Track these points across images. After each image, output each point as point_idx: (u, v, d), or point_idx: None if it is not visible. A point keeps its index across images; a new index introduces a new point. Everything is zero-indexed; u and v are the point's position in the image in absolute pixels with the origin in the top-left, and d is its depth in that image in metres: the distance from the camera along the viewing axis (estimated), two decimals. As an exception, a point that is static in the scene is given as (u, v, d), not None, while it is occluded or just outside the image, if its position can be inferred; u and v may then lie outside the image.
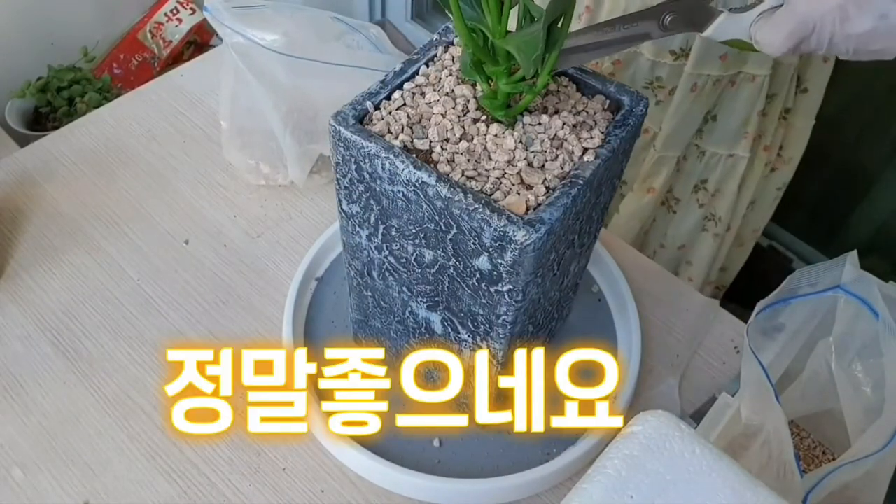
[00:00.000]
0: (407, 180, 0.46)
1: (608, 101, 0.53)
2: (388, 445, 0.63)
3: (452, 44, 0.54)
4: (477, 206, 0.44)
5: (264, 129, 0.77)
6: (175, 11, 1.72)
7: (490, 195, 0.46)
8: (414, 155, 0.47)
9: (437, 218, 0.47)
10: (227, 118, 0.79)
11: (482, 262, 0.47)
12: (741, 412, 0.54)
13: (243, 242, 0.78)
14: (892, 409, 0.51)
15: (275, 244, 0.78)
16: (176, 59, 1.72)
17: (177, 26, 1.71)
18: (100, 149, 0.85)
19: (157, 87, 0.93)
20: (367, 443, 0.62)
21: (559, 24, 0.45)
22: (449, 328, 0.56)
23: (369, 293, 0.60)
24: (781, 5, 0.51)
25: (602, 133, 0.50)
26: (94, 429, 0.64)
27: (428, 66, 0.53)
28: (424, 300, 0.55)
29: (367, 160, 0.47)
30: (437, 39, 0.54)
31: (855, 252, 0.55)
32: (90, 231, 0.78)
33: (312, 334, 0.70)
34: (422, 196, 0.46)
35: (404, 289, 0.56)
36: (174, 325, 0.71)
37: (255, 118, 0.77)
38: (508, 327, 0.51)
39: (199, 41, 1.76)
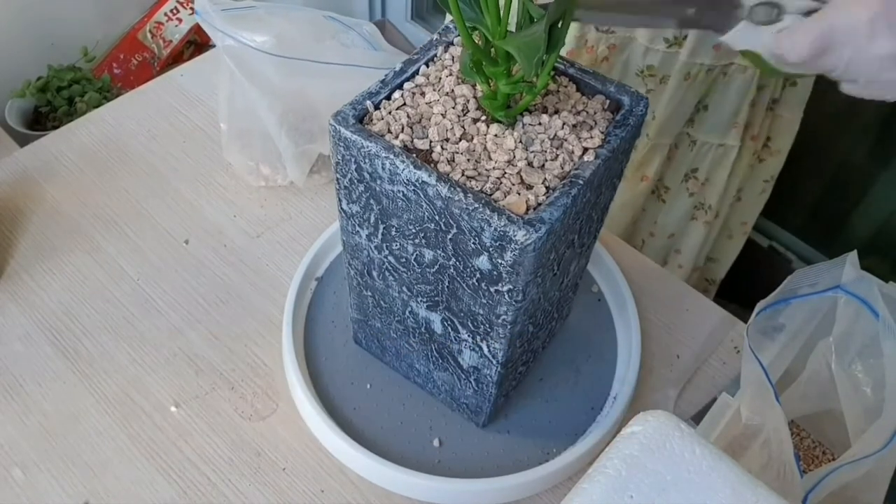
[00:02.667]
0: (407, 180, 0.46)
1: (608, 101, 0.52)
2: (389, 445, 0.63)
3: (452, 44, 0.54)
4: (477, 205, 0.44)
5: (263, 130, 0.77)
6: (175, 11, 1.71)
7: (490, 195, 0.46)
8: (414, 155, 0.47)
9: (437, 218, 0.47)
10: (226, 120, 0.78)
11: (482, 262, 0.47)
12: (741, 412, 0.54)
13: (243, 242, 0.78)
14: (892, 409, 0.51)
15: (275, 244, 0.78)
16: (176, 58, 1.72)
17: (177, 26, 1.71)
18: (100, 149, 0.85)
19: (157, 87, 0.93)
20: (367, 443, 0.62)
21: (559, 25, 0.45)
22: (449, 328, 0.56)
23: (369, 293, 0.60)
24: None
25: (602, 133, 0.50)
26: (94, 429, 0.64)
27: (428, 66, 0.53)
28: (424, 300, 0.55)
29: (367, 160, 0.47)
30: (437, 39, 0.54)
31: (855, 252, 0.55)
32: (90, 231, 0.78)
33: (312, 334, 0.70)
34: (422, 196, 0.46)
35: (404, 288, 0.56)
36: (174, 325, 0.71)
37: (253, 120, 0.76)
38: (508, 327, 0.51)
39: (199, 41, 1.76)
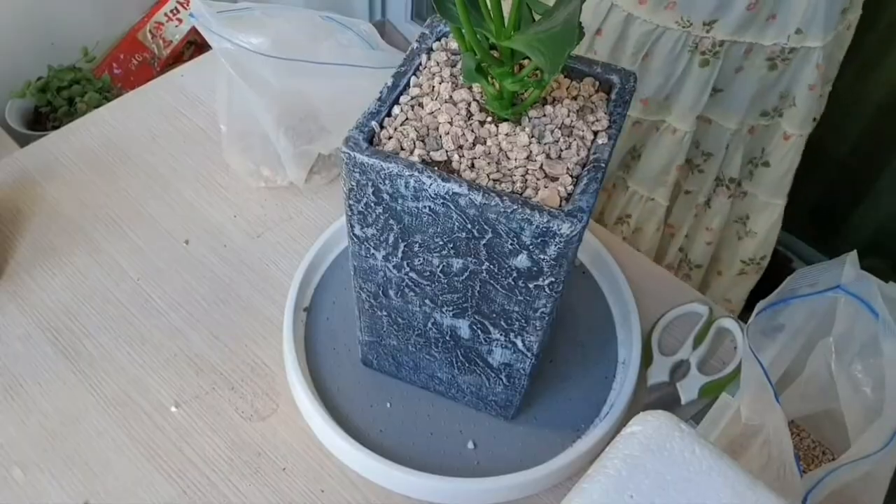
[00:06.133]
0: (435, 194, 0.46)
1: (597, 82, 0.53)
2: (388, 444, 0.63)
3: (432, 49, 0.54)
4: (515, 206, 0.44)
5: (263, 132, 0.77)
6: (175, 11, 1.72)
7: (521, 194, 0.46)
8: (436, 167, 0.47)
9: (468, 226, 0.47)
10: (226, 122, 0.78)
11: (520, 261, 0.48)
12: (741, 412, 0.54)
13: (243, 242, 0.78)
14: (892, 409, 0.51)
15: (275, 244, 0.78)
16: (176, 59, 1.72)
17: (177, 26, 1.71)
18: (100, 149, 0.85)
19: (157, 87, 0.93)
20: (367, 442, 0.62)
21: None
22: (478, 331, 0.56)
23: (384, 312, 0.59)
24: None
25: (606, 114, 0.51)
26: (94, 429, 0.64)
27: (417, 76, 0.53)
28: (450, 308, 0.55)
29: (386, 181, 0.47)
30: (417, 48, 0.54)
31: (855, 252, 0.55)
32: (90, 231, 0.78)
33: (313, 333, 0.70)
34: (452, 207, 0.46)
35: (427, 301, 0.55)
36: (174, 325, 0.71)
37: (253, 122, 0.76)
38: (546, 318, 0.51)
39: (200, 41, 1.76)
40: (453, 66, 0.53)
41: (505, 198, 0.45)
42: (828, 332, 0.55)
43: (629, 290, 0.73)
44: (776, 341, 0.56)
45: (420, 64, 0.53)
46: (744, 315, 1.13)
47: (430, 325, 0.58)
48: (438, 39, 0.56)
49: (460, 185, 0.45)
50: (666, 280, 0.79)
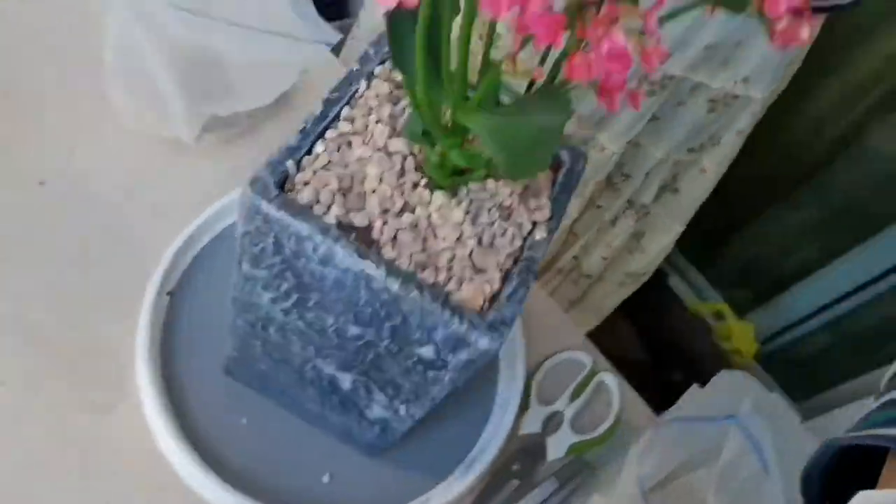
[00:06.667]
0: (346, 268, 0.40)
1: None
2: (236, 466, 0.58)
3: (374, 75, 0.47)
4: (435, 305, 0.39)
5: (152, 73, 0.66)
6: None
7: (444, 286, 0.41)
8: (353, 235, 0.40)
9: (377, 306, 0.41)
10: (111, 51, 0.66)
11: (426, 351, 0.42)
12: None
13: (112, 197, 0.67)
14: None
15: (150, 205, 0.68)
16: None
17: None
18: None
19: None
20: (211, 459, 0.57)
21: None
22: (361, 388, 0.50)
23: (258, 342, 0.52)
24: None
25: (549, 199, 0.46)
26: None
27: (351, 107, 0.45)
28: (335, 361, 0.49)
29: (291, 239, 0.40)
30: (356, 71, 0.47)
31: (758, 383, 0.54)
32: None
33: (176, 320, 0.63)
34: (362, 284, 0.40)
35: (310, 348, 0.49)
36: (12, 280, 0.61)
37: (142, 60, 0.65)
38: (438, 400, 0.47)
39: None
40: (395, 103, 0.46)
41: (425, 293, 0.39)
42: (715, 457, 0.54)
43: (521, 333, 0.70)
44: (659, 452, 0.55)
45: (357, 92, 0.46)
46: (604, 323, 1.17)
47: (308, 367, 0.52)
48: (383, 63, 0.48)
49: (378, 267, 0.39)
50: (558, 320, 0.77)
